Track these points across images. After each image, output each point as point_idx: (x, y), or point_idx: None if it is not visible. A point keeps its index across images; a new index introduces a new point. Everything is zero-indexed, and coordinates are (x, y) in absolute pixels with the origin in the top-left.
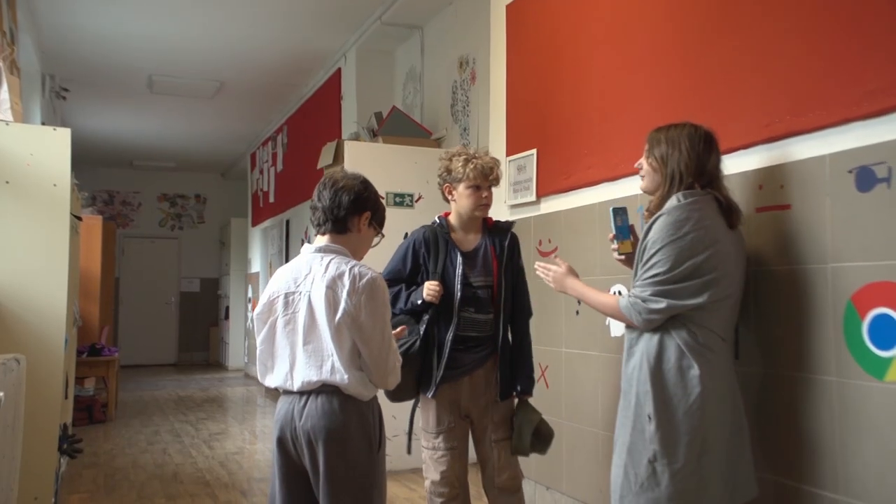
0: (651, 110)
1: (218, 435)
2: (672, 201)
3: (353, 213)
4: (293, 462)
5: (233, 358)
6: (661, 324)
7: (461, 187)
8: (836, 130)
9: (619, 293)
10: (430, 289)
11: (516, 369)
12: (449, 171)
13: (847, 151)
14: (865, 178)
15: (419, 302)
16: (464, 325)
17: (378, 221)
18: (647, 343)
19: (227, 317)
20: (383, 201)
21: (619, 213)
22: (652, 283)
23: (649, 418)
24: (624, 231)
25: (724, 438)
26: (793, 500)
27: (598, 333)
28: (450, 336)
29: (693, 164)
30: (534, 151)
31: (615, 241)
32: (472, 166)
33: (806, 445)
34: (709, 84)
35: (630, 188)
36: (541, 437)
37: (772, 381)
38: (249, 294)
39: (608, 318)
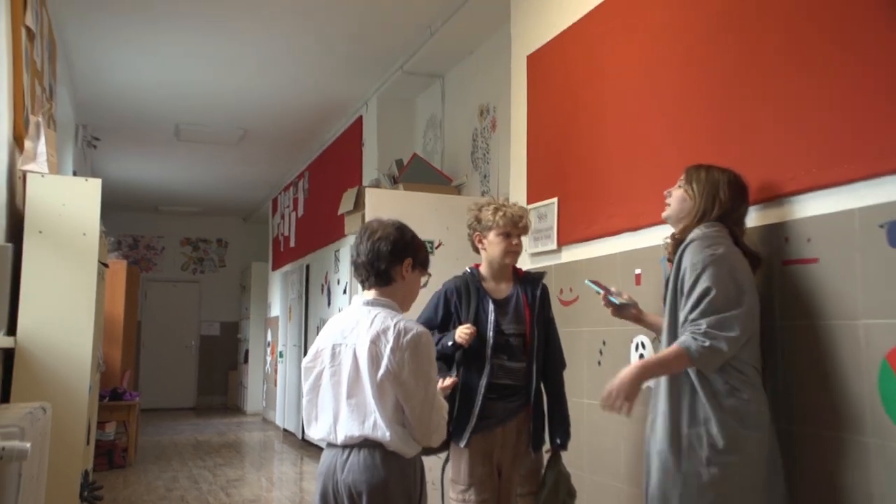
0: (673, 160)
1: (235, 482)
2: (697, 231)
3: (394, 262)
4: None
5: (251, 402)
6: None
7: (491, 235)
8: (866, 184)
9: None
10: (462, 331)
11: (554, 422)
12: (479, 220)
13: (878, 206)
14: None
15: (450, 344)
16: (497, 372)
17: (421, 263)
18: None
19: (246, 360)
20: (423, 241)
21: (594, 283)
22: (706, 311)
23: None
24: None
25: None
26: None
27: None
28: (483, 383)
29: (728, 205)
30: (555, 200)
31: (612, 300)
32: (501, 213)
33: None
34: (732, 135)
35: (652, 238)
36: (571, 496)
37: (803, 440)
38: (269, 338)
39: None
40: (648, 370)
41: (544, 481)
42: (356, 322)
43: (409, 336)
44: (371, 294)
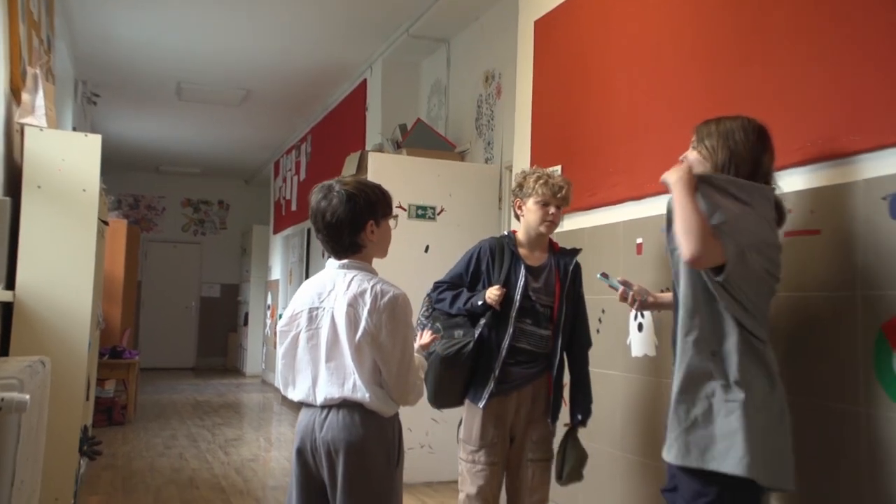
0: (677, 130)
1: (234, 441)
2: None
3: (356, 232)
4: (311, 473)
5: (250, 364)
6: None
7: (530, 202)
8: (870, 156)
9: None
10: (492, 292)
11: (576, 399)
12: (521, 186)
13: (881, 178)
14: None
15: (479, 303)
16: (519, 335)
17: (384, 214)
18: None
19: (246, 323)
20: (377, 189)
21: (606, 277)
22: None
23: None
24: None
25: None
26: None
27: (618, 353)
28: (505, 345)
29: (749, 156)
30: (558, 168)
31: (627, 293)
32: (542, 182)
33: (833, 476)
34: (737, 106)
35: (654, 208)
36: (583, 468)
37: (797, 409)
38: (269, 301)
39: (629, 338)
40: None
41: (565, 457)
42: (332, 285)
43: (385, 298)
44: (345, 259)
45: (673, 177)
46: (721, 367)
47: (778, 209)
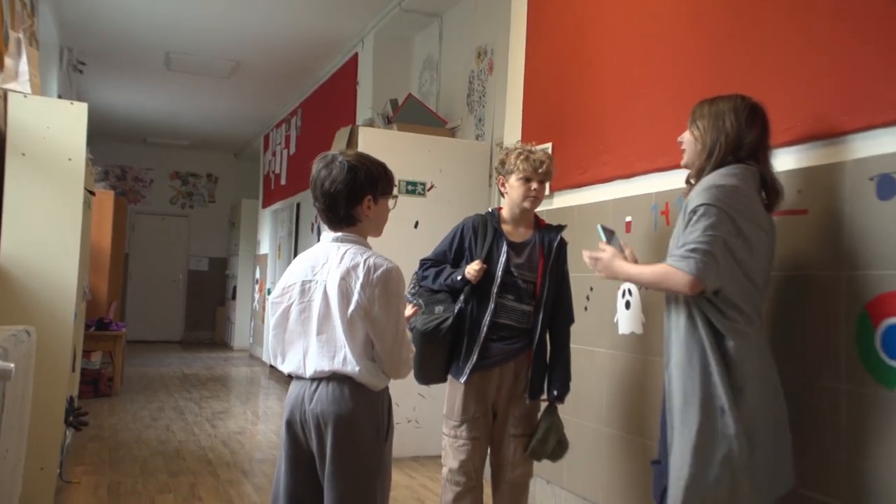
0: (668, 109)
1: (221, 414)
2: (714, 176)
3: (353, 204)
4: (300, 445)
5: (238, 338)
6: (688, 307)
7: (512, 179)
8: (859, 136)
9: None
10: (471, 267)
11: (554, 373)
12: (503, 163)
13: (869, 158)
14: (887, 186)
15: (459, 278)
16: (500, 311)
17: (383, 192)
18: (682, 330)
19: (234, 297)
20: (380, 167)
21: (608, 233)
22: (702, 237)
23: (722, 411)
24: (615, 243)
25: (772, 425)
26: None
27: (605, 330)
28: (486, 320)
29: (734, 137)
30: (549, 145)
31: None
32: (523, 158)
33: (816, 453)
34: (727, 86)
35: (644, 187)
36: (562, 446)
37: (782, 386)
38: (257, 275)
39: (616, 315)
40: (631, 277)
41: (537, 430)
42: (326, 258)
43: (378, 272)
44: (339, 231)
45: (601, 274)
46: None
47: (770, 189)
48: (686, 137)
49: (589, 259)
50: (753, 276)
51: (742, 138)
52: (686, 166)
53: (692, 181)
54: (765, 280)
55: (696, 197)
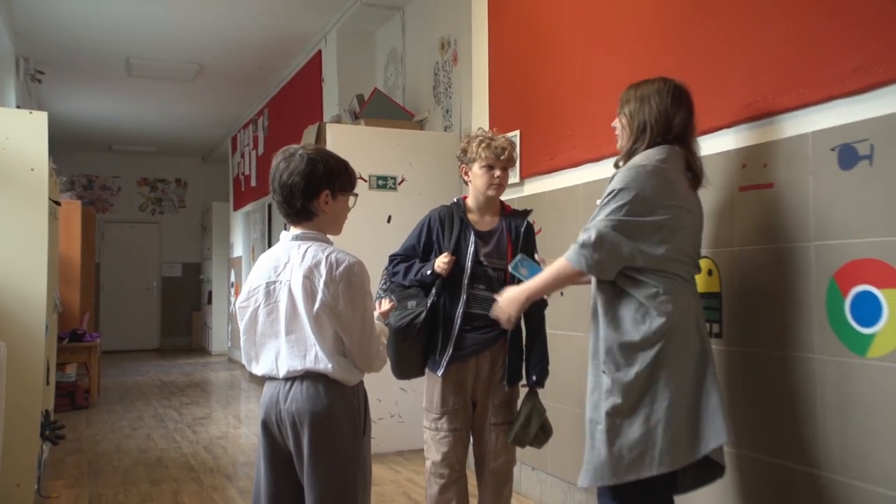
0: None
1: (202, 420)
2: (638, 157)
3: (310, 198)
4: (278, 445)
5: (216, 342)
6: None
7: (475, 167)
8: (819, 108)
9: None
10: (441, 260)
11: (531, 359)
12: (465, 152)
13: (830, 129)
14: (848, 156)
15: (428, 272)
16: (472, 301)
17: (342, 188)
18: (607, 300)
19: (209, 301)
20: (341, 164)
21: (519, 266)
22: (606, 220)
23: (604, 372)
24: (533, 269)
25: (689, 387)
26: (778, 477)
27: (582, 314)
28: (460, 312)
29: (662, 118)
30: (517, 133)
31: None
32: (484, 145)
33: (790, 423)
34: (690, 63)
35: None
36: (545, 432)
37: (755, 359)
38: (232, 278)
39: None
40: (533, 292)
41: (518, 416)
42: (287, 258)
43: (341, 268)
44: (298, 229)
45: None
46: None
47: (693, 170)
48: (617, 123)
49: (495, 316)
50: (677, 248)
51: (670, 120)
52: (620, 150)
53: (620, 164)
54: (691, 252)
55: (617, 178)
